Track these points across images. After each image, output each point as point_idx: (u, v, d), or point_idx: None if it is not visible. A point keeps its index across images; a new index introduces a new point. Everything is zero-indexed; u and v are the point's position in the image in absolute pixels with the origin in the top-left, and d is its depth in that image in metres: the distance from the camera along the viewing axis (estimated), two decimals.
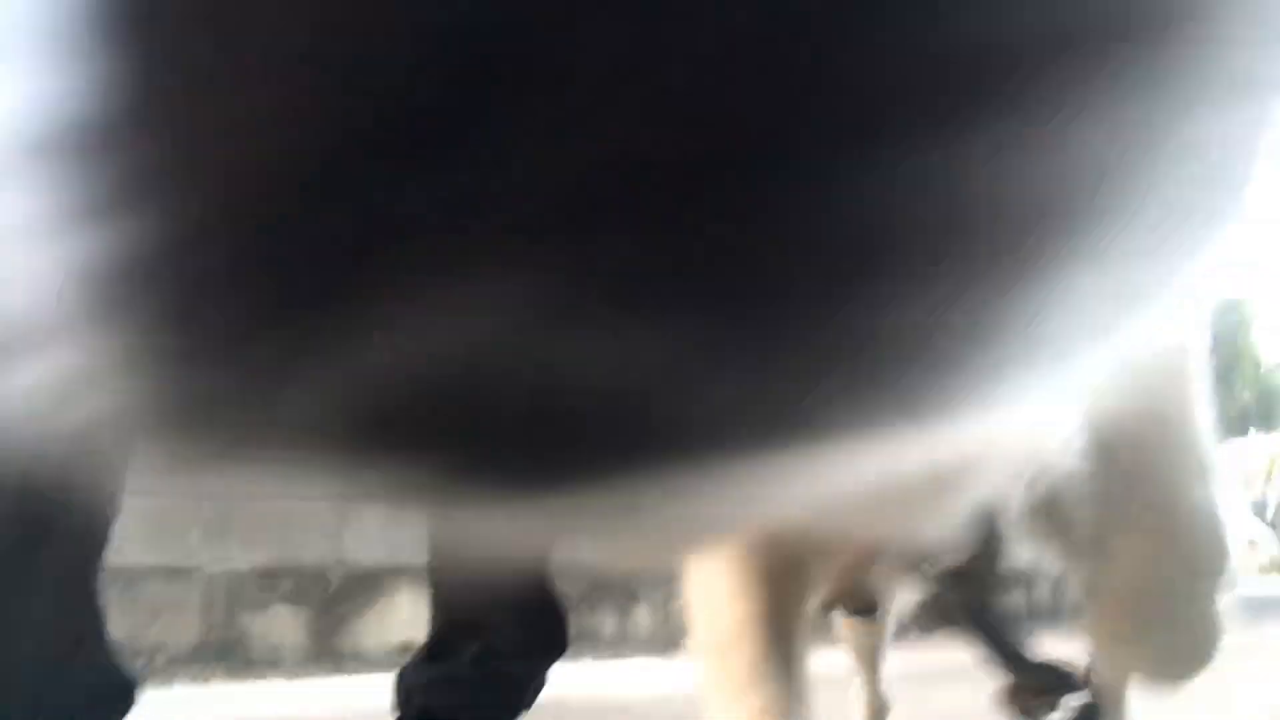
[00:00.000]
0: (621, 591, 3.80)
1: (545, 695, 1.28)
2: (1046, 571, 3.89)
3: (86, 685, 0.81)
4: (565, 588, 3.61)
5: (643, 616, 3.84)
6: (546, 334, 0.16)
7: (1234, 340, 6.85)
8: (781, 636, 0.68)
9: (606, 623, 3.74)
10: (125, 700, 0.87)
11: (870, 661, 1.25)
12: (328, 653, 3.04)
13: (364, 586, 3.10)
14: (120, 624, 2.70)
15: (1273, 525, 14.01)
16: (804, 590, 0.73)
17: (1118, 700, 0.86)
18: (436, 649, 1.22)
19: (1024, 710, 0.67)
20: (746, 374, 0.17)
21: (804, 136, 0.15)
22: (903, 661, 1.34)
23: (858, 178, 0.15)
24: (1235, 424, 16.86)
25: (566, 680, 1.37)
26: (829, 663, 1.00)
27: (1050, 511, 0.65)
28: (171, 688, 2.68)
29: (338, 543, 3.13)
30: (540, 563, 1.22)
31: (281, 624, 3.02)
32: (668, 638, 3.86)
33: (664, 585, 3.90)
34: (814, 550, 0.68)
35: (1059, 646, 0.75)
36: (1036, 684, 0.67)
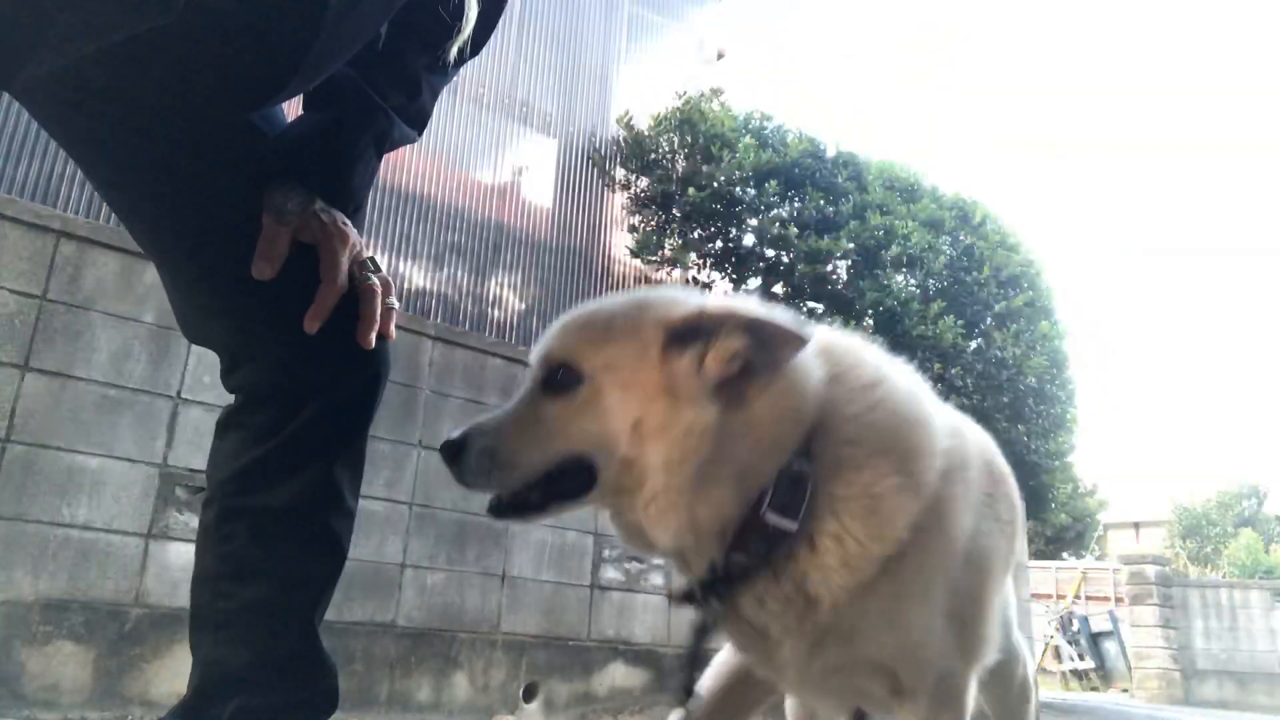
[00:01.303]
0: (441, 655, 3.74)
1: None
2: None
3: None
4: (380, 648, 3.53)
5: (461, 683, 3.78)
6: None
7: (1051, 465, 7.47)
8: None
9: (422, 686, 3.66)
10: None
11: None
12: (112, 696, 2.86)
13: (162, 628, 2.94)
14: None
15: (1074, 641, 15.05)
16: None
17: None
18: (196, 703, 1.12)
19: None
20: None
21: None
22: None
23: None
24: (1051, 546, 18.15)
25: None
26: None
27: None
28: None
29: (138, 580, 2.98)
30: (311, 619, 1.16)
31: (64, 661, 2.83)
32: (485, 706, 3.81)
33: (485, 652, 3.87)
34: None
35: None
36: None
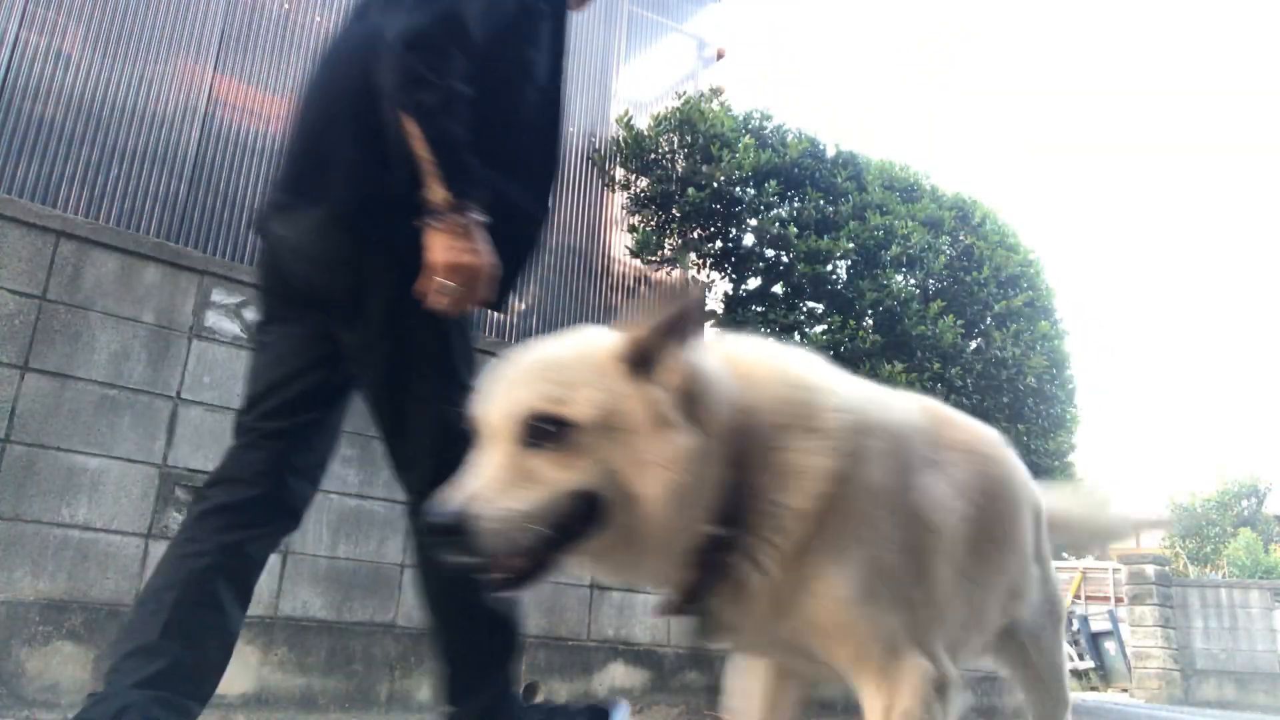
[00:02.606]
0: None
1: None
2: None
3: None
4: (380, 648, 3.51)
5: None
6: None
7: (1051, 465, 7.47)
8: None
9: (422, 686, 3.66)
10: None
11: None
12: None
13: None
14: None
15: (1074, 641, 15.05)
16: None
17: None
18: (111, 671, 1.39)
19: None
20: None
21: None
22: None
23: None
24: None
25: None
26: None
27: None
28: None
29: (138, 580, 2.98)
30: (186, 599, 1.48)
31: (64, 661, 2.83)
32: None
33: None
34: None
35: None
36: None
